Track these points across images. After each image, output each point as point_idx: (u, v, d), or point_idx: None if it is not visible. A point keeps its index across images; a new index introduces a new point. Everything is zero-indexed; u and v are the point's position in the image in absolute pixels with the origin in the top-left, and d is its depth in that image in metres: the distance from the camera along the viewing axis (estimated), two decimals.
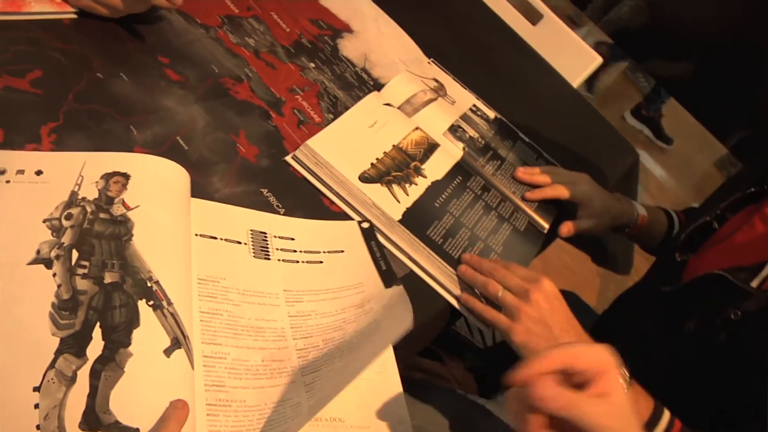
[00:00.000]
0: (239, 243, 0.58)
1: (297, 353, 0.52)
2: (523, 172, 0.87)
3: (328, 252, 0.63)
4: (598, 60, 1.51)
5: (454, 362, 0.95)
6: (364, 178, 0.71)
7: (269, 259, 0.59)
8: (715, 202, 0.79)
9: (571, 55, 1.45)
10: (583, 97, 1.30)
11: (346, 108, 0.80)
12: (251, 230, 0.60)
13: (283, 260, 0.60)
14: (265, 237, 0.61)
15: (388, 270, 0.64)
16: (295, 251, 0.61)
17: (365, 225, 0.68)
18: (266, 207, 0.65)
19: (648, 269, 0.92)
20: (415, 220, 0.71)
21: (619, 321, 0.89)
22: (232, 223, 0.60)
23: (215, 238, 0.57)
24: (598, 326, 0.95)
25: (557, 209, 0.88)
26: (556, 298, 0.66)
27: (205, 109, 0.70)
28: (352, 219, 0.69)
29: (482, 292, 0.68)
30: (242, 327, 0.51)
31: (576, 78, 1.41)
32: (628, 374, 0.59)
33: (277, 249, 0.60)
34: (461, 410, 0.79)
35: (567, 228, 0.85)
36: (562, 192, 0.86)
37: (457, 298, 0.69)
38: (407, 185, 0.74)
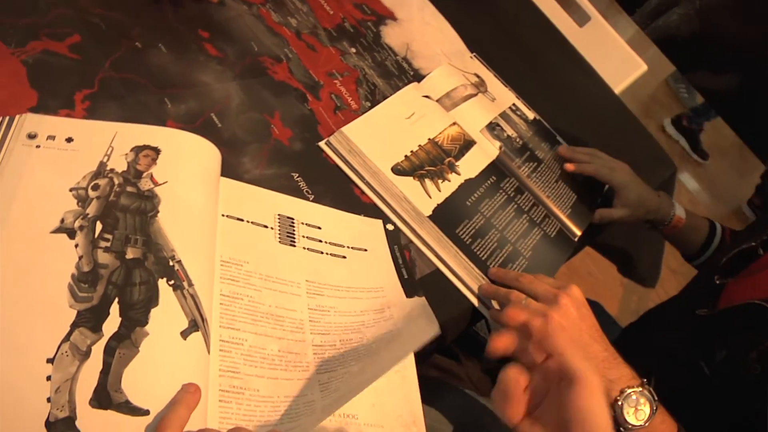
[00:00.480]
0: (266, 227, 0.56)
1: (313, 349, 0.50)
2: (566, 149, 0.90)
3: (352, 248, 0.61)
4: (643, 67, 1.46)
5: (470, 363, 0.93)
6: (397, 170, 0.69)
7: (294, 245, 0.57)
8: (762, 226, 0.75)
9: (616, 60, 1.40)
10: (624, 104, 1.26)
11: (385, 97, 0.78)
12: (279, 215, 0.59)
13: (308, 249, 0.58)
14: (293, 223, 0.59)
15: (411, 279, 0.62)
16: (321, 241, 0.59)
17: (390, 227, 0.66)
18: (296, 192, 0.63)
19: (683, 288, 0.89)
20: (445, 217, 0.69)
21: (647, 337, 0.86)
22: (259, 205, 0.58)
23: (242, 220, 0.55)
24: (621, 339, 0.92)
25: (591, 214, 0.85)
26: (585, 306, 0.63)
27: (242, 87, 0.69)
28: (381, 211, 0.67)
29: (508, 301, 0.64)
30: (262, 314, 0.49)
31: (619, 84, 1.37)
32: (654, 395, 0.56)
33: (304, 236, 0.58)
34: (473, 413, 0.77)
35: (600, 215, 0.86)
36: (599, 173, 0.87)
37: (480, 299, 0.66)
38: (440, 181, 0.72)
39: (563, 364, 0.45)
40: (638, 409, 0.56)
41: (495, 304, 0.66)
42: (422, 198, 0.69)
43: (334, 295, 0.56)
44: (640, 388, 0.57)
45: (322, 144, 0.69)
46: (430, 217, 0.68)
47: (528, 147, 0.87)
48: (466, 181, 0.74)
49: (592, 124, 1.09)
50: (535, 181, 0.82)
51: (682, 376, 0.70)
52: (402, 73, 0.85)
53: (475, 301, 0.67)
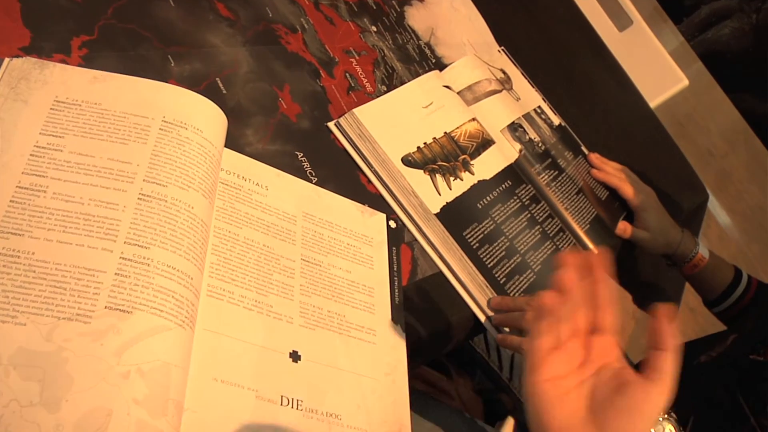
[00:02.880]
0: (266, 189, 0.60)
1: (300, 289, 0.57)
2: (596, 157, 0.96)
3: (353, 239, 0.65)
4: (684, 82, 1.49)
5: (462, 380, 0.96)
6: (407, 161, 0.72)
7: (295, 224, 0.60)
8: None
9: (655, 71, 1.44)
10: (659, 120, 1.30)
11: (402, 82, 0.81)
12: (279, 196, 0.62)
13: (304, 228, 0.61)
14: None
15: (400, 304, 0.65)
16: (321, 219, 0.63)
17: (392, 224, 0.69)
18: (298, 172, 0.66)
19: (728, 330, 0.91)
20: (454, 217, 0.72)
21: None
22: (259, 180, 0.61)
23: (240, 189, 0.59)
24: None
25: (611, 233, 0.89)
26: None
27: (252, 54, 0.72)
28: (386, 203, 0.70)
29: (520, 326, 0.67)
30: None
31: (656, 98, 1.40)
32: (678, 423, 0.59)
33: (304, 214, 0.62)
34: None
35: (624, 227, 0.91)
36: (625, 188, 0.93)
37: (482, 309, 0.70)
38: (452, 178, 0.75)
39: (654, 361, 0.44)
40: None
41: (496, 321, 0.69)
42: (431, 194, 0.72)
43: (327, 259, 0.61)
44: (666, 416, 0.61)
45: (331, 125, 0.72)
46: (437, 215, 0.71)
47: (550, 153, 0.90)
48: (479, 182, 0.77)
49: (621, 138, 1.13)
50: (553, 191, 0.85)
51: (723, 422, 0.72)
52: (423, 59, 0.88)
53: (477, 311, 0.70)
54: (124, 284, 0.46)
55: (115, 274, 0.46)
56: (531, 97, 0.96)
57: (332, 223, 0.64)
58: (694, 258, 0.96)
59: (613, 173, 0.94)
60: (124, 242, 0.47)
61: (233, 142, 0.63)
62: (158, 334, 0.45)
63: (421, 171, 0.73)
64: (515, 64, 0.99)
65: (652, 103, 1.37)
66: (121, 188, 0.50)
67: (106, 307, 0.44)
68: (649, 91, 1.38)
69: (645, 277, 1.26)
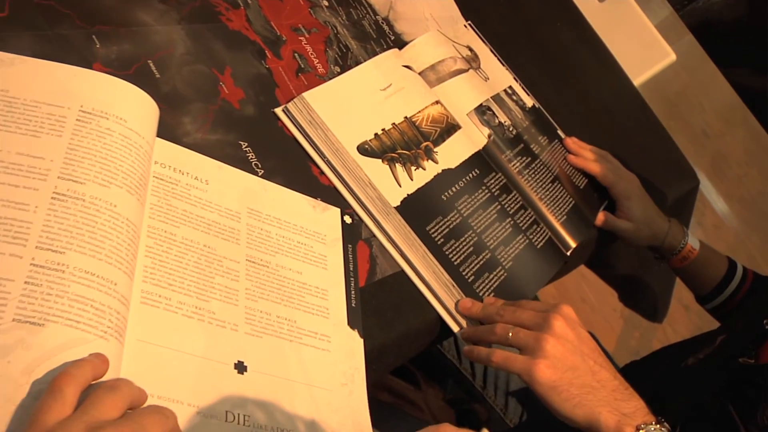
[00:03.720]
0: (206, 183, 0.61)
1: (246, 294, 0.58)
2: (573, 141, 0.99)
3: (305, 237, 0.66)
4: (671, 57, 1.53)
5: (431, 389, 0.99)
6: (364, 150, 0.74)
7: (239, 221, 0.62)
8: None
9: (640, 45, 1.47)
10: (644, 100, 1.33)
11: (357, 62, 0.83)
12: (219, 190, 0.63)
13: (249, 225, 0.62)
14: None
15: (357, 308, 0.66)
16: (268, 215, 0.65)
17: (348, 219, 0.71)
18: (242, 164, 0.67)
19: (717, 329, 0.94)
20: (416, 210, 0.74)
21: (659, 381, 0.90)
22: (198, 174, 0.62)
23: (176, 184, 0.59)
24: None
25: (590, 224, 0.91)
26: (580, 326, 0.68)
27: (188, 33, 0.72)
28: (341, 196, 0.72)
29: (491, 341, 0.68)
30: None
31: (640, 74, 1.44)
32: None
33: (249, 210, 0.63)
34: None
35: (604, 217, 0.94)
36: (606, 175, 0.96)
37: (449, 311, 0.71)
38: (413, 168, 0.77)
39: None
40: None
41: (466, 323, 0.72)
42: (391, 185, 0.74)
43: (276, 258, 0.62)
44: (658, 426, 0.62)
45: (278, 111, 0.73)
46: (397, 208, 0.73)
47: (522, 138, 0.92)
48: (444, 171, 0.79)
49: (601, 120, 1.16)
50: (526, 179, 0.87)
51: (712, 429, 0.75)
52: (381, 36, 0.89)
53: (443, 314, 0.72)
54: (35, 294, 0.46)
55: (25, 282, 0.46)
56: (501, 77, 0.98)
57: (281, 220, 0.65)
58: (683, 250, 0.99)
59: (591, 158, 0.96)
60: (36, 247, 0.47)
61: (168, 131, 0.64)
62: (74, 348, 0.45)
63: (379, 160, 0.74)
64: (483, 40, 1.01)
65: (637, 81, 1.40)
66: (32, 186, 0.50)
67: (13, 320, 0.44)
68: (633, 67, 1.41)
69: (630, 271, 1.29)
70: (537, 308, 0.69)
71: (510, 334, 0.66)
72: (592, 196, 0.96)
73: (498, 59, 1.01)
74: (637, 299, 1.35)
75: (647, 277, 1.29)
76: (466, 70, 0.93)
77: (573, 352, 0.65)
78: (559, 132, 1.00)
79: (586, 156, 0.97)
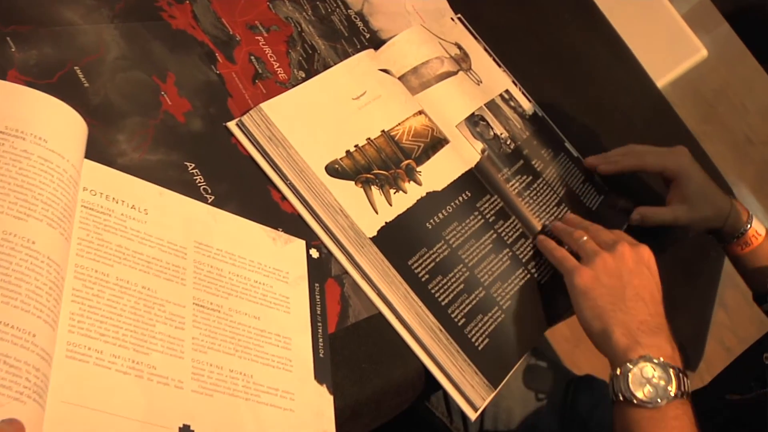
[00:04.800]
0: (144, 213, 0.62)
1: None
2: (594, 158, 1.02)
3: (263, 275, 0.67)
4: (702, 53, 1.56)
5: None
6: (334, 171, 0.75)
7: (185, 257, 0.63)
8: None
9: (665, 39, 1.50)
10: (669, 104, 1.35)
11: (326, 66, 0.85)
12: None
13: (197, 262, 0.64)
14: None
15: (326, 358, 0.68)
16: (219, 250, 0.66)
17: (314, 253, 0.72)
18: (189, 189, 0.68)
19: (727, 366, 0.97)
20: (396, 241, 0.76)
21: None
22: (136, 202, 0.63)
23: (110, 213, 0.60)
24: None
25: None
26: (649, 268, 0.82)
27: (123, 33, 0.74)
28: (306, 225, 0.73)
29: (566, 240, 0.86)
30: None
31: (665, 74, 1.47)
32: (687, 385, 0.72)
33: (196, 245, 0.64)
34: None
35: (641, 214, 0.98)
36: (645, 163, 0.99)
37: (436, 361, 0.73)
38: (392, 191, 0.78)
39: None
40: (652, 383, 0.71)
41: None
42: (366, 212, 0.75)
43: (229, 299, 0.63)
44: (671, 369, 0.71)
45: (231, 125, 0.75)
46: (374, 239, 0.74)
47: (522, 153, 0.94)
48: (428, 194, 0.81)
49: (618, 128, 1.17)
50: (527, 203, 0.90)
51: None
52: (354, 34, 0.92)
53: (429, 364, 0.73)
54: None
55: None
56: (496, 79, 1.00)
57: (234, 255, 0.67)
58: (746, 234, 1.01)
59: (620, 155, 1.00)
60: None
61: (100, 152, 0.65)
62: None
63: (352, 183, 0.76)
64: (475, 36, 1.04)
65: (661, 82, 1.43)
66: None
67: None
68: (657, 66, 1.44)
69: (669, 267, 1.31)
70: (620, 235, 0.84)
71: (582, 239, 0.83)
72: (610, 216, 0.97)
73: (493, 59, 1.03)
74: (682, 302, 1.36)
75: (679, 310, 1.31)
76: (455, 73, 0.95)
77: (620, 276, 0.79)
78: (567, 145, 1.02)
79: (613, 159, 1.00)
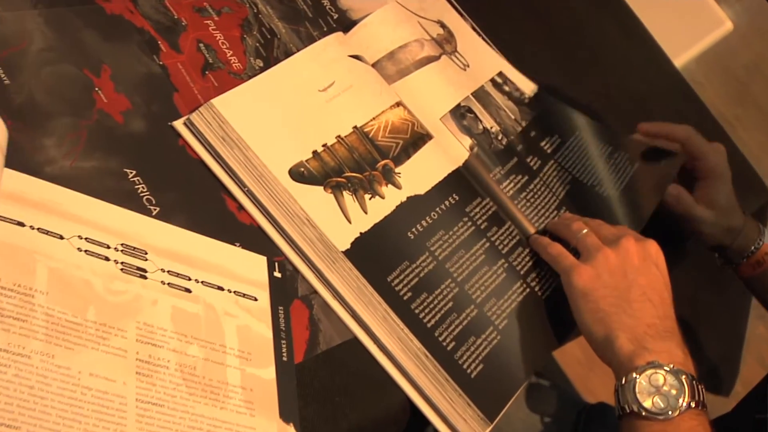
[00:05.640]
0: (78, 251, 0.62)
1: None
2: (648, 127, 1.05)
3: (217, 297, 0.68)
4: (726, 26, 1.58)
5: None
6: (299, 175, 0.76)
7: (145, 277, 0.64)
8: None
9: (682, 12, 1.51)
10: (690, 86, 1.36)
11: (288, 53, 0.85)
12: (87, 238, 0.64)
13: (168, 284, 0.64)
14: (128, 249, 0.65)
15: (292, 392, 0.68)
16: (181, 276, 0.66)
17: (278, 274, 0.73)
18: (129, 200, 0.68)
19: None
20: (372, 255, 0.76)
21: None
22: (64, 217, 0.63)
23: (33, 227, 0.61)
24: None
25: None
26: (657, 265, 0.83)
27: (49, 20, 0.74)
28: (268, 238, 0.74)
29: (563, 234, 0.87)
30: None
31: (682, 51, 1.48)
32: (701, 393, 0.73)
33: (133, 267, 0.65)
34: None
35: (677, 192, 0.99)
36: (693, 141, 1.00)
37: (422, 392, 0.73)
38: (367, 196, 0.79)
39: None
40: (662, 392, 0.71)
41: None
42: (337, 222, 0.76)
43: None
44: (683, 376, 0.72)
45: (178, 124, 0.75)
46: (347, 253, 0.75)
47: (515, 150, 0.95)
48: (409, 198, 0.81)
49: (630, 114, 1.18)
50: (524, 207, 0.90)
51: None
52: (319, 14, 0.92)
53: (414, 396, 0.73)
54: None
55: None
56: (487, 62, 1.01)
57: (183, 275, 0.67)
58: (757, 252, 1.02)
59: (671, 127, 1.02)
60: None
61: (23, 159, 0.65)
62: None
63: (321, 188, 0.77)
64: (461, 13, 1.04)
65: (679, 60, 1.44)
66: None
67: None
68: (674, 42, 1.45)
69: (690, 282, 1.32)
70: (623, 230, 0.86)
71: (581, 233, 0.84)
72: (623, 220, 0.98)
73: (482, 38, 1.03)
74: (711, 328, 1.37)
75: (709, 333, 1.31)
76: (438, 57, 0.95)
77: (624, 275, 0.80)
78: (583, 120, 1.03)
79: (665, 127, 1.03)
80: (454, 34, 1.00)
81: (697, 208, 0.98)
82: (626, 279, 0.80)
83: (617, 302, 0.78)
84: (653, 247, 0.83)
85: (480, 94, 0.97)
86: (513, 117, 0.98)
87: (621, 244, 0.81)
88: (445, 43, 0.98)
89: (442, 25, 1.00)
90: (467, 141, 0.91)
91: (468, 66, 0.98)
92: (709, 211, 0.98)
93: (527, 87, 1.03)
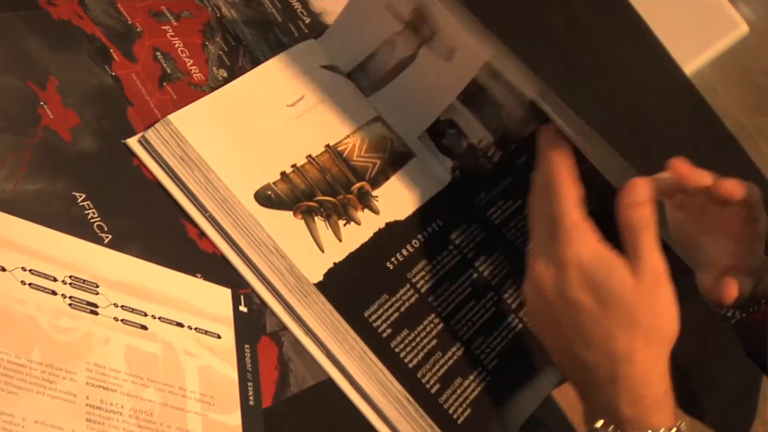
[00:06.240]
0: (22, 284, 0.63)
1: None
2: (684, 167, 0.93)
3: (176, 335, 0.69)
4: (741, 29, 1.60)
5: None
6: (266, 199, 0.77)
7: (96, 313, 0.65)
8: None
9: (692, 14, 1.53)
10: (701, 95, 1.37)
11: (255, 63, 0.86)
12: (32, 270, 0.65)
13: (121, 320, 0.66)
14: (77, 282, 0.66)
15: None
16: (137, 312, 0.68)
17: (243, 308, 0.74)
18: (79, 227, 0.69)
19: None
20: (348, 287, 0.77)
21: None
22: (6, 247, 0.64)
23: None
24: None
25: None
26: (580, 288, 0.74)
27: None
28: (233, 268, 0.75)
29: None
30: None
31: (694, 55, 1.49)
32: None
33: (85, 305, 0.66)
34: None
35: (731, 286, 0.92)
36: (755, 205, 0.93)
37: None
38: (342, 222, 0.80)
39: None
40: None
41: None
42: (309, 251, 0.77)
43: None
44: None
45: (132, 142, 0.76)
46: (320, 285, 0.76)
47: (512, 164, 0.93)
48: (388, 225, 0.82)
49: (633, 132, 1.19)
50: (513, 234, 0.91)
51: None
52: (289, 18, 0.93)
53: None
54: None
55: None
56: (475, 42, 0.94)
57: (139, 311, 0.68)
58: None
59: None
60: None
61: None
62: None
63: (290, 213, 0.78)
64: None
65: (688, 66, 1.45)
66: None
67: None
68: (683, 45, 1.46)
69: (693, 361, 1.33)
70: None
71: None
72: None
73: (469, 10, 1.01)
74: (708, 407, 1.38)
75: (726, 372, 1.32)
76: (414, 55, 0.91)
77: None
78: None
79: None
80: (432, 18, 0.91)
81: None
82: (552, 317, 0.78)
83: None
84: (579, 256, 0.76)
85: (472, 92, 0.90)
86: (520, 114, 0.91)
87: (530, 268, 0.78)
88: (421, 24, 0.91)
89: (416, 9, 0.92)
90: (448, 163, 0.91)
91: (453, 51, 0.91)
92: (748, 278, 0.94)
93: (528, 89, 1.01)
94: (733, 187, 0.85)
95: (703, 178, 0.87)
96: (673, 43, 1.39)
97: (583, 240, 0.75)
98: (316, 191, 0.81)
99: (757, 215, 0.88)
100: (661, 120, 1.26)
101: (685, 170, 0.86)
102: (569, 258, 0.74)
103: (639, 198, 0.75)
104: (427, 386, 0.77)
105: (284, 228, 0.77)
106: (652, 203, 0.75)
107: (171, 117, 0.76)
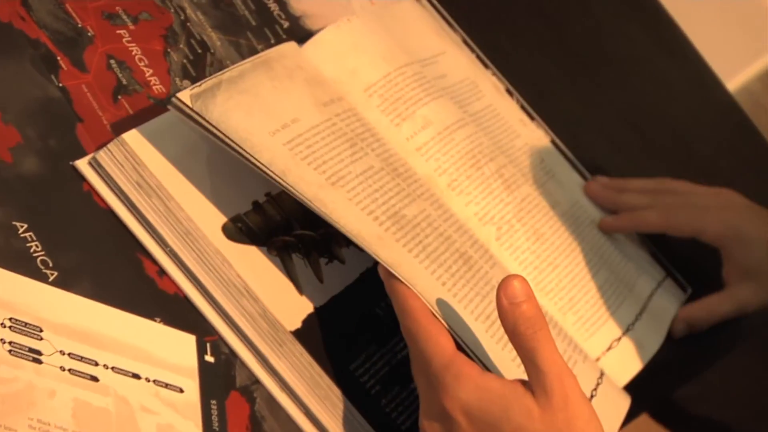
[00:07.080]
0: None
1: None
2: (602, 185, 1.02)
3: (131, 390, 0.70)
4: None
5: None
6: (235, 232, 0.79)
7: (40, 362, 0.66)
8: None
9: (739, 24, 1.55)
10: (745, 113, 1.38)
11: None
12: None
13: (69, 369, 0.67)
14: (23, 324, 0.68)
15: None
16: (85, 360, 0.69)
17: (210, 358, 0.75)
18: (19, 262, 0.70)
19: None
20: (330, 337, 0.79)
21: None
22: None
23: None
24: None
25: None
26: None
27: None
28: (198, 313, 0.76)
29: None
30: None
31: (736, 72, 1.52)
32: None
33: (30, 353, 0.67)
34: None
35: (685, 322, 0.99)
36: (675, 220, 0.99)
37: None
38: (323, 261, 0.82)
39: None
40: None
41: None
42: (285, 293, 0.79)
43: None
44: None
45: (82, 164, 0.77)
46: (297, 333, 0.77)
47: None
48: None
49: (667, 151, 1.21)
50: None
51: None
52: (265, 22, 0.95)
53: None
54: None
55: None
56: (464, 62, 1.04)
57: (88, 359, 0.70)
58: None
59: (638, 204, 1.02)
60: None
61: None
62: None
63: (264, 249, 0.79)
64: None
65: (731, 83, 1.47)
66: None
67: None
68: (725, 61, 1.48)
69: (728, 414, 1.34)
70: None
71: None
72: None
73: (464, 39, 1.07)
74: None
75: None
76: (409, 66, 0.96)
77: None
78: (578, 164, 1.07)
79: (629, 202, 1.02)
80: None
81: (723, 305, 0.99)
82: None
83: None
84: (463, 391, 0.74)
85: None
86: None
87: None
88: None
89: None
90: None
91: (446, 76, 0.99)
92: (750, 283, 0.98)
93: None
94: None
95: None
96: (714, 55, 1.41)
97: (461, 379, 0.72)
98: (294, 224, 0.82)
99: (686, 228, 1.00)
100: (697, 141, 1.28)
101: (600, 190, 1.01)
102: (451, 406, 0.72)
103: (519, 297, 0.71)
104: None
105: (257, 266, 0.78)
106: (534, 299, 0.72)
107: (126, 136, 0.77)
